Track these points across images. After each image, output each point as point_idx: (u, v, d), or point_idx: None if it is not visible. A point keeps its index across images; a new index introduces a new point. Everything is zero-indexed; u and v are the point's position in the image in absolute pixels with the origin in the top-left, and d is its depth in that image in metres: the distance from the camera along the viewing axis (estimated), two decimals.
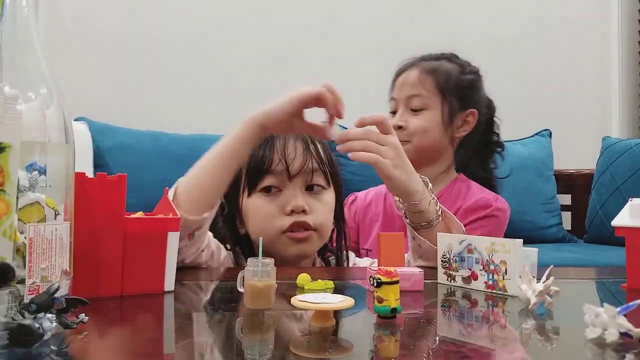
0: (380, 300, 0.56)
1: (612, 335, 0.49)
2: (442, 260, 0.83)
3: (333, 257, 1.11)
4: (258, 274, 0.61)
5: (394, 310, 0.56)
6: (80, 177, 0.63)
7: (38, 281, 0.51)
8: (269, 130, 0.90)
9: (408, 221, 0.96)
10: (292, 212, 0.97)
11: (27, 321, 0.46)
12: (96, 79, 2.33)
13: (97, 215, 0.66)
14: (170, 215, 0.74)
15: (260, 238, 0.69)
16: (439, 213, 0.95)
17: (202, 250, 0.93)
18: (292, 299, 0.56)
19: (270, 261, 0.62)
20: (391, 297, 0.55)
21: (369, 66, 2.45)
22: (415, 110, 1.32)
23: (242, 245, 1.05)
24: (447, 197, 1.29)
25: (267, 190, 0.99)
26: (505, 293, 0.74)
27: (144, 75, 2.36)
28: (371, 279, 0.57)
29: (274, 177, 0.98)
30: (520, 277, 0.66)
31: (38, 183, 0.54)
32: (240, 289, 0.65)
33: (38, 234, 0.51)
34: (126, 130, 2.10)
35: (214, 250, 0.98)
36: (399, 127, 1.30)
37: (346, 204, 1.38)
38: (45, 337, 0.46)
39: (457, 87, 1.34)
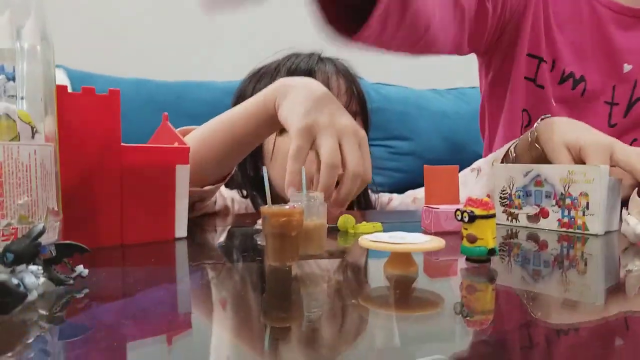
0: (473, 240, 0.42)
1: None
2: (500, 197, 0.70)
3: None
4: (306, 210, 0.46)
5: (491, 251, 0.43)
6: (62, 91, 0.48)
7: (15, 222, 0.37)
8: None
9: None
10: None
11: (2, 276, 0.32)
12: (74, 25, 2.13)
13: (87, 142, 0.52)
14: (176, 145, 0.60)
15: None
16: None
17: (215, 202, 0.81)
18: (360, 239, 0.42)
19: (320, 195, 0.49)
20: (488, 236, 0.42)
21: None
22: None
23: (258, 190, 0.93)
24: None
25: None
26: (586, 232, 0.62)
27: (126, 20, 2.17)
28: (459, 212, 0.44)
29: None
30: (625, 208, 0.54)
31: (7, 90, 0.39)
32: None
33: (10, 156, 0.37)
34: (107, 78, 1.93)
35: (228, 205, 0.86)
36: None
37: None
38: (30, 298, 0.33)
39: None
